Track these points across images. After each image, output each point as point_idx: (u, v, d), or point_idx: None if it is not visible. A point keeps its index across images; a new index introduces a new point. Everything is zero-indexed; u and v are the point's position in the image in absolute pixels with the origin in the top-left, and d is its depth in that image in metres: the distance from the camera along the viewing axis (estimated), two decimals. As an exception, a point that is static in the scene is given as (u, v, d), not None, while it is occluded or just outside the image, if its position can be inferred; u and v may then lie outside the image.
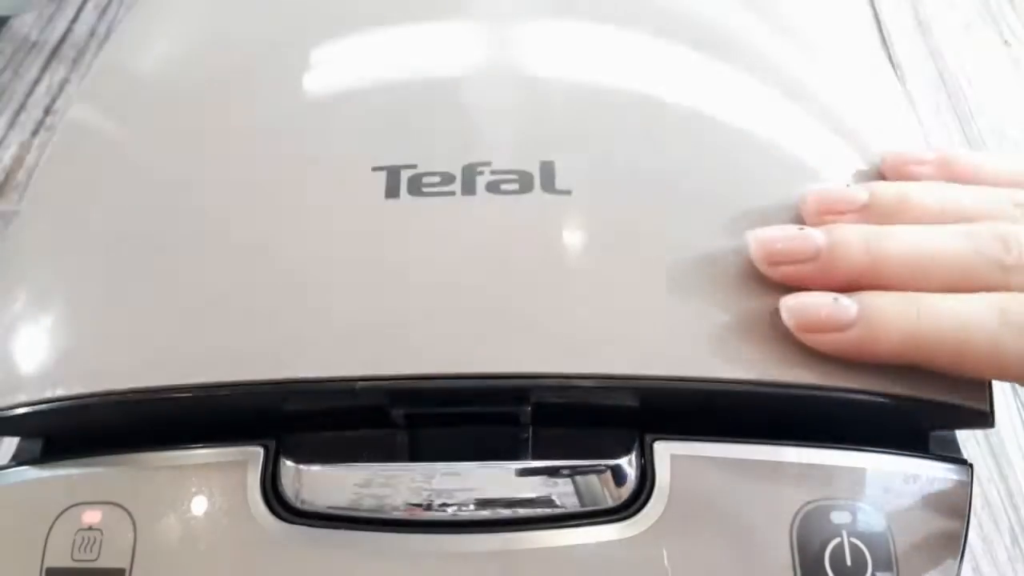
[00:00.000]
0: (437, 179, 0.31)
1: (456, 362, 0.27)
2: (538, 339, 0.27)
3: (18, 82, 0.66)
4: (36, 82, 0.66)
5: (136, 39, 0.39)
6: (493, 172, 0.31)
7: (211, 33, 0.39)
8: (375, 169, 0.31)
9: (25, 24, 0.71)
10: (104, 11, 0.72)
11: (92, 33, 0.70)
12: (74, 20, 0.71)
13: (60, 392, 0.27)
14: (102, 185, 0.32)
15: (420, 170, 0.31)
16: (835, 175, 0.31)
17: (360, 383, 0.26)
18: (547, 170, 0.31)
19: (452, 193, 0.30)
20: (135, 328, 0.28)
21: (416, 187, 0.30)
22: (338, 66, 0.36)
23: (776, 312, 0.27)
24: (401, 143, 0.32)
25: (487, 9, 0.39)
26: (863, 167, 0.32)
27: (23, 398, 0.27)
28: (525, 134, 0.33)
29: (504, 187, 0.30)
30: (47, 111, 0.64)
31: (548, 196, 0.30)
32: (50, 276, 0.30)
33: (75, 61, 0.68)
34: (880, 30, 0.70)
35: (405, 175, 0.31)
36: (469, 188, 0.30)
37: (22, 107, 0.64)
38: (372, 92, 0.35)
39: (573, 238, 0.30)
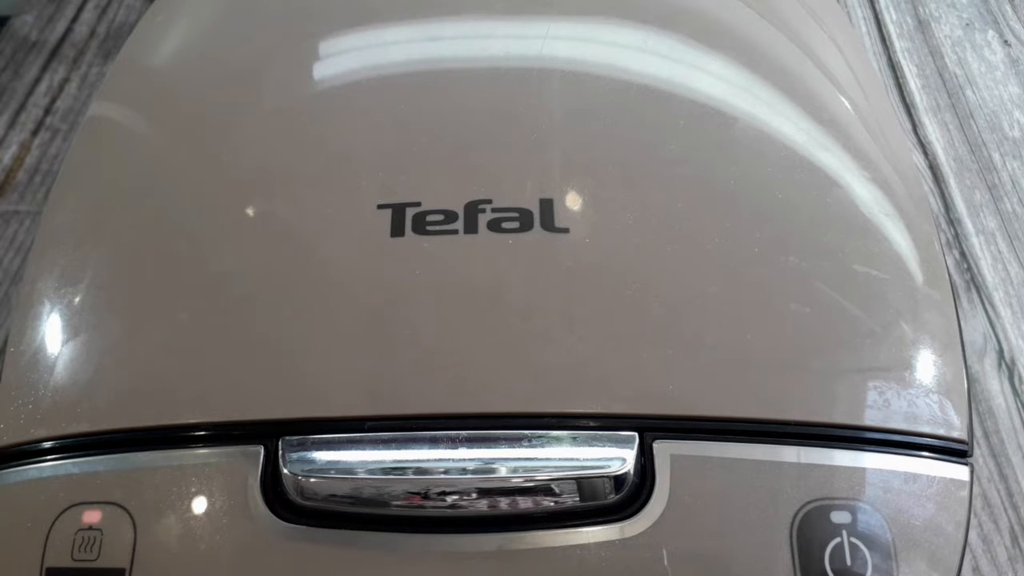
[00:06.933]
0: (440, 217, 0.31)
1: (457, 404, 0.28)
2: (539, 380, 0.28)
3: (18, 82, 0.66)
4: (36, 82, 0.66)
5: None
6: (494, 210, 0.31)
7: (215, 73, 0.39)
8: (380, 207, 0.32)
9: (25, 24, 0.71)
10: (104, 11, 0.72)
11: (92, 33, 0.70)
12: (74, 20, 0.71)
13: (83, 428, 0.28)
14: (115, 231, 0.33)
15: (424, 208, 0.32)
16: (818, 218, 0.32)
17: (369, 423, 0.28)
18: (546, 208, 0.31)
19: (455, 232, 0.31)
20: (155, 368, 0.29)
21: (420, 225, 0.31)
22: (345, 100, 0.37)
23: (768, 347, 0.28)
24: (404, 180, 0.33)
25: (489, 48, 0.39)
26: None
27: (44, 432, 0.28)
28: (524, 172, 0.33)
29: (505, 225, 0.31)
30: (47, 111, 0.64)
31: (548, 234, 0.31)
32: (69, 315, 0.31)
33: (75, 61, 0.68)
34: (880, 30, 0.70)
35: (410, 213, 0.31)
36: (471, 227, 0.31)
37: (22, 107, 0.64)
38: (378, 128, 0.35)
39: (571, 276, 0.30)
